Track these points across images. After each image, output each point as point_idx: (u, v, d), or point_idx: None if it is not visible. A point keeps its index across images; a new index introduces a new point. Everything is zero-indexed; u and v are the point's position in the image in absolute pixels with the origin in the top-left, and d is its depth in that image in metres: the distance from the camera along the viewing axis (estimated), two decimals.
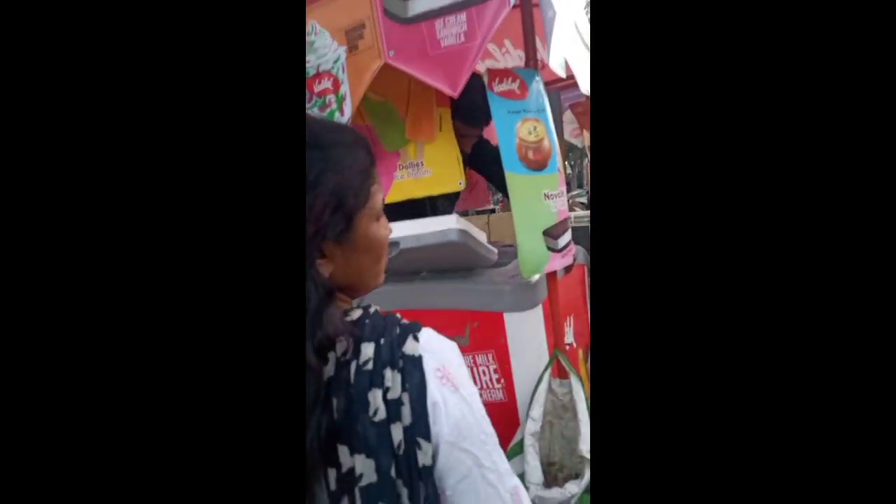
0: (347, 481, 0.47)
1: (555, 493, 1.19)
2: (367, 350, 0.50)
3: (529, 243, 1.19)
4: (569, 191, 1.50)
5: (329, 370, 0.49)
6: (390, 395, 0.48)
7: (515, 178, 1.20)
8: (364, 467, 0.47)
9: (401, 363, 0.50)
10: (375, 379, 0.49)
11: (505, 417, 1.27)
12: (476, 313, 1.30)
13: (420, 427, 0.48)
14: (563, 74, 1.21)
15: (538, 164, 1.22)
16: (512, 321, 1.27)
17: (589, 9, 1.33)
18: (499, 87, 1.22)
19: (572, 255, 1.29)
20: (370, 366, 0.49)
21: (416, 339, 0.51)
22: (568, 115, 2.96)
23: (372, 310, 0.54)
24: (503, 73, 1.24)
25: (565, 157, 2.96)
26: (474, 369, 1.31)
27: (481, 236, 1.28)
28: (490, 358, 1.29)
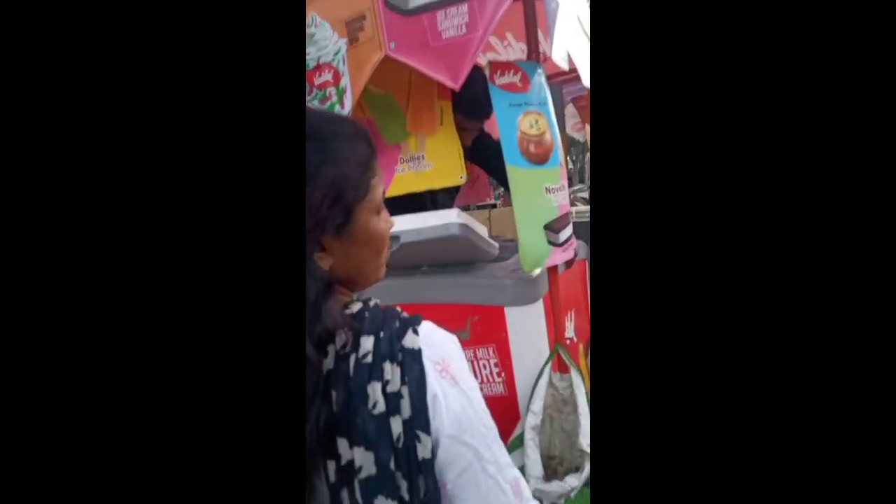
0: (347, 473, 0.47)
1: (555, 486, 1.20)
2: (367, 343, 0.50)
3: (530, 237, 1.19)
4: (570, 186, 1.49)
5: (328, 363, 0.49)
6: (389, 389, 0.48)
7: (516, 171, 1.20)
8: (363, 460, 0.47)
9: (400, 356, 0.50)
10: (374, 372, 0.49)
11: (505, 411, 1.27)
12: (477, 307, 1.30)
13: (419, 420, 0.48)
14: (565, 67, 1.21)
15: (540, 158, 1.22)
16: (513, 315, 1.27)
17: (590, 1, 1.32)
18: (500, 80, 1.21)
19: (573, 250, 1.29)
20: (369, 359, 0.49)
21: (415, 332, 0.51)
22: (570, 109, 2.94)
23: (372, 303, 0.54)
24: (505, 66, 1.23)
25: (567, 151, 2.94)
26: (475, 363, 1.31)
27: (482, 230, 1.28)
28: (491, 352, 1.30)
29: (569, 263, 1.39)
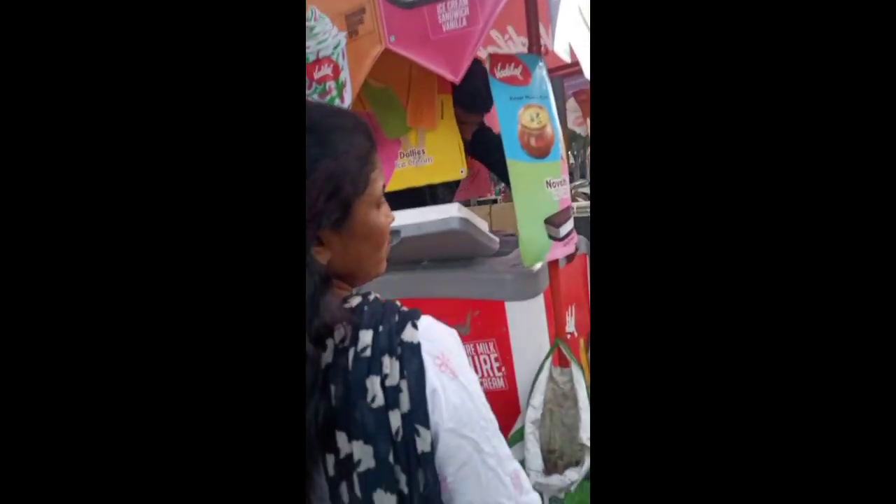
0: (346, 467, 0.47)
1: (555, 480, 1.21)
2: (366, 337, 0.50)
3: (531, 232, 1.19)
4: (571, 181, 1.49)
5: (327, 357, 0.49)
6: (388, 382, 0.48)
7: (517, 165, 1.19)
8: (362, 453, 0.47)
9: (399, 350, 0.50)
10: (373, 366, 0.49)
11: (506, 405, 1.27)
12: (477, 302, 1.30)
13: (418, 414, 0.48)
14: (567, 60, 1.20)
15: (540, 152, 1.21)
16: (513, 310, 1.27)
17: None
18: (501, 73, 1.20)
19: (574, 244, 1.28)
20: (368, 353, 0.49)
21: (414, 326, 0.51)
22: (571, 104, 2.93)
23: (371, 297, 0.54)
24: (506, 59, 1.23)
25: (568, 146, 2.93)
26: (475, 358, 1.31)
27: (483, 225, 1.28)
28: (491, 347, 1.30)
29: (570, 258, 1.39)
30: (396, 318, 0.52)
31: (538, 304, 1.29)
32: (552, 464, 1.25)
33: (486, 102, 1.36)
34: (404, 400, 0.48)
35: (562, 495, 1.25)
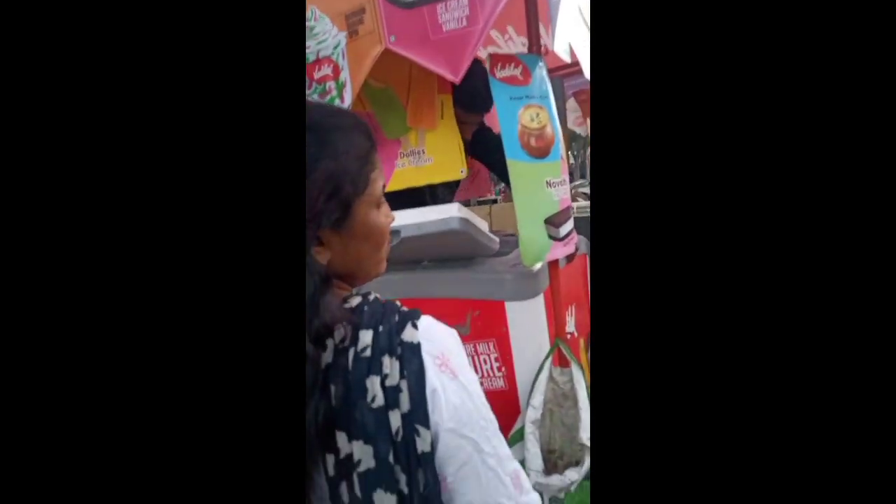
0: (346, 467, 0.47)
1: (555, 479, 1.21)
2: (366, 337, 0.50)
3: (531, 232, 1.19)
4: (572, 181, 1.49)
5: (327, 357, 0.49)
6: (388, 382, 0.48)
7: (517, 165, 1.19)
8: (362, 453, 0.47)
9: (399, 350, 0.50)
10: (373, 366, 0.49)
11: (506, 406, 1.27)
12: (477, 302, 1.30)
13: (418, 414, 0.48)
14: (567, 60, 1.20)
15: (540, 152, 1.21)
16: (513, 310, 1.27)
17: None
18: (501, 73, 1.20)
19: (574, 244, 1.28)
20: (368, 353, 0.49)
21: (414, 326, 0.51)
22: (571, 104, 2.93)
23: (371, 297, 0.54)
24: (506, 59, 1.23)
25: (568, 146, 2.93)
26: (475, 358, 1.31)
27: (483, 225, 1.28)
28: (491, 347, 1.30)
29: (570, 258, 1.39)
30: (396, 318, 0.52)
31: (538, 304, 1.29)
32: (552, 464, 1.25)
33: (486, 102, 1.36)
34: (404, 400, 0.48)
35: (562, 495, 1.25)
